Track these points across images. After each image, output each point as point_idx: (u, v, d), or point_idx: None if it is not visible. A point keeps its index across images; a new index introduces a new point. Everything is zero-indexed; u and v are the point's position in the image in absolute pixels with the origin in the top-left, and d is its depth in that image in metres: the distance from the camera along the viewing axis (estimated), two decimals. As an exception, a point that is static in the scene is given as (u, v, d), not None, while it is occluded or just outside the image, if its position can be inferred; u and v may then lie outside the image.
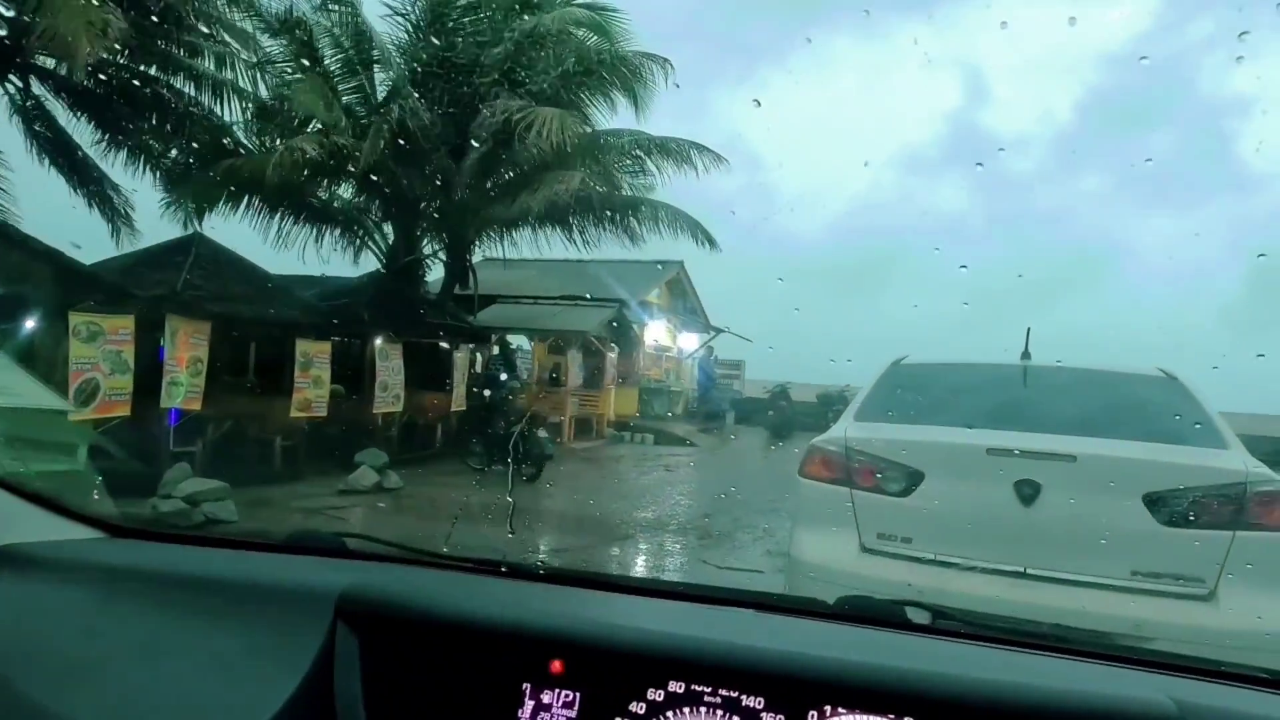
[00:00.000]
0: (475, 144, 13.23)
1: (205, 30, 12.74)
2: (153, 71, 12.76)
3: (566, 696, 0.94)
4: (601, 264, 17.62)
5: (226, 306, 9.67)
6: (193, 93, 13.17)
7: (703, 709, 0.90)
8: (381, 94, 14.17)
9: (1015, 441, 3.13)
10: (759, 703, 0.89)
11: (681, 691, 0.91)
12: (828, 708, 0.87)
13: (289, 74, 13.55)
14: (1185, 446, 3.14)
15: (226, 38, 13.09)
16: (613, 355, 18.08)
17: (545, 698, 0.94)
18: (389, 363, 11.62)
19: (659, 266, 20.08)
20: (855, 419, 3.80)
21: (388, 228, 14.93)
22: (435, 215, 14.64)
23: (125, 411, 8.27)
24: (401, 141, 12.55)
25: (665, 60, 13.37)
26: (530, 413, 12.57)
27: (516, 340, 17.61)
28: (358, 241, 15.13)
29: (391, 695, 1.00)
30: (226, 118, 13.50)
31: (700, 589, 1.26)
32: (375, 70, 14.22)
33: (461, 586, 1.23)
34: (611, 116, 14.29)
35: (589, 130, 13.86)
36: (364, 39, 13.70)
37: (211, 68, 13.15)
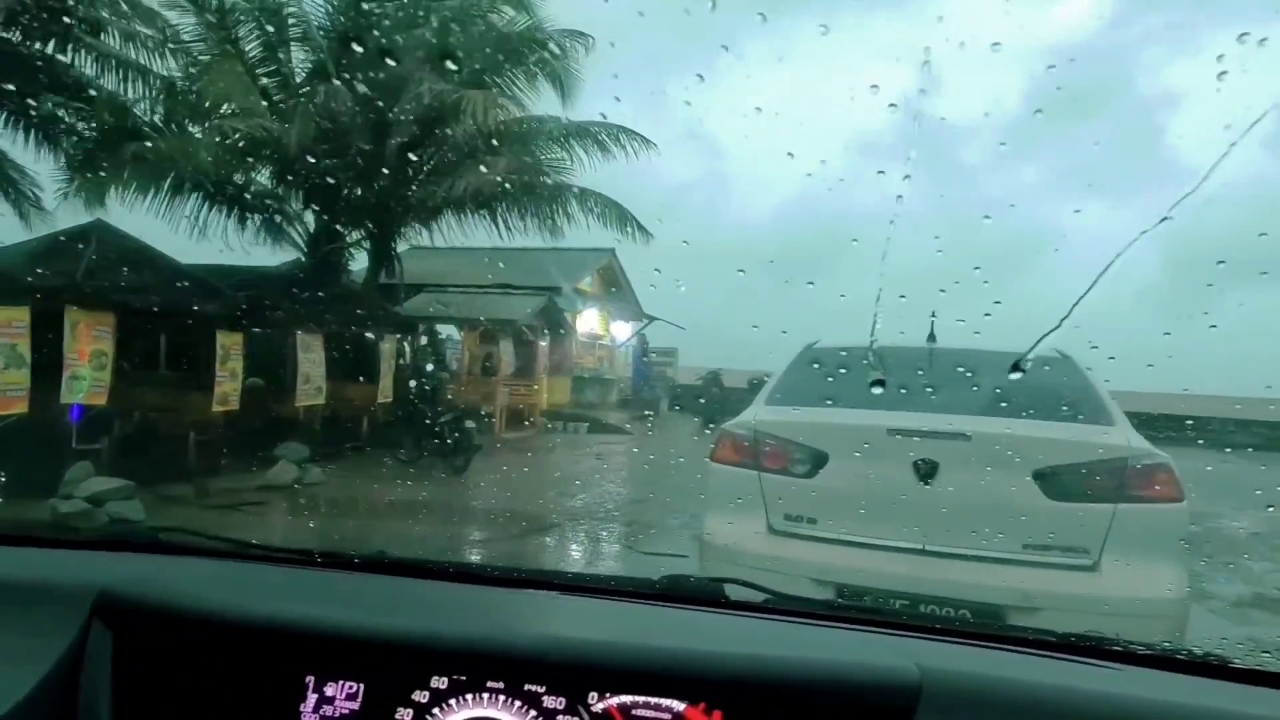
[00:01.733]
0: (399, 127, 12.93)
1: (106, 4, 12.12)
2: (49, 48, 12.10)
3: (350, 688, 0.92)
4: (532, 252, 17.46)
5: (133, 297, 9.22)
6: (96, 70, 12.55)
7: (485, 695, 0.89)
8: (300, 76, 13.73)
9: (913, 422, 3.22)
10: (541, 687, 0.88)
11: (465, 679, 0.90)
12: (608, 691, 0.87)
13: (202, 53, 13.00)
14: (1072, 424, 3.27)
15: (130, 14, 12.49)
16: (545, 344, 17.96)
17: (329, 689, 0.92)
18: (310, 354, 11.29)
19: (590, 254, 19.99)
20: (766, 403, 3.85)
21: (308, 214, 14.48)
22: (358, 201, 14.27)
23: (22, 408, 7.84)
24: (322, 125, 12.18)
25: (588, 36, 13.29)
26: (459, 403, 12.42)
27: (446, 330, 17.35)
28: (277, 229, 14.64)
29: (149, 693, 0.96)
30: (134, 98, 12.93)
31: (521, 574, 1.25)
32: (293, 50, 13.76)
33: (257, 579, 1.19)
34: (537, 101, 14.14)
35: (516, 114, 13.68)
36: (281, 18, 13.22)
37: (116, 45, 12.55)
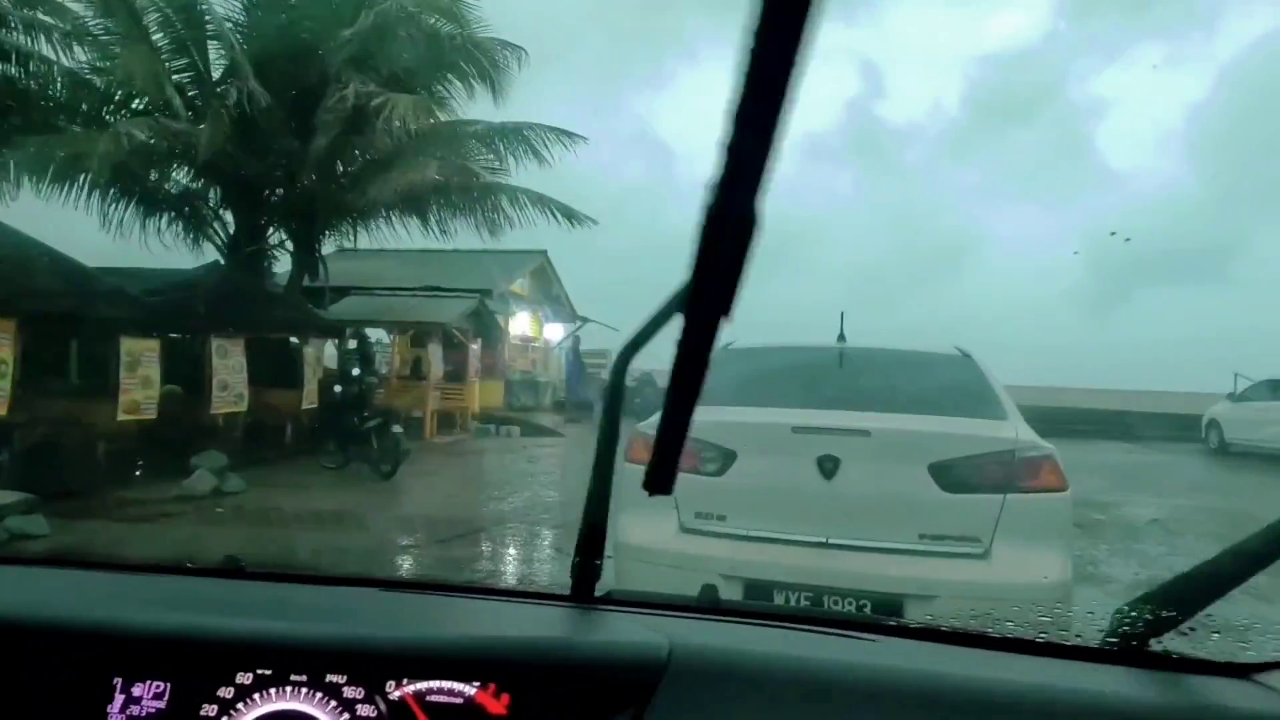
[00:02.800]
0: (324, 129, 12.64)
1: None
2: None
3: (157, 687, 0.94)
4: (463, 254, 17.29)
5: (35, 302, 8.83)
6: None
7: (288, 688, 0.92)
8: (219, 72, 13.31)
9: (817, 419, 3.32)
10: (342, 678, 0.92)
11: (269, 674, 0.93)
12: (405, 679, 0.91)
13: (113, 46, 12.49)
14: (966, 418, 3.41)
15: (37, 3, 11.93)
16: (476, 347, 17.79)
17: (136, 690, 0.94)
18: (229, 360, 10.96)
19: (521, 256, 19.86)
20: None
21: (228, 215, 14.05)
22: (281, 203, 13.90)
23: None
24: (242, 123, 11.84)
25: (520, 48, 13.30)
26: (388, 408, 12.21)
27: (374, 334, 17.04)
28: (195, 230, 14.16)
29: None
30: (41, 91, 12.34)
31: (336, 572, 1.28)
32: (210, 47, 13.33)
33: (71, 585, 1.20)
34: (469, 103, 14.02)
35: (444, 118, 13.55)
36: (193, 12, 12.79)
37: (21, 37, 11.96)
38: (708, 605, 1.17)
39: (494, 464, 13.14)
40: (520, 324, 21.98)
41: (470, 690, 0.90)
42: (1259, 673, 0.95)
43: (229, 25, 13.00)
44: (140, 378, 9.66)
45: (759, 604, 1.15)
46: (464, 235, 15.02)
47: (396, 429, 10.45)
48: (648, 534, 3.42)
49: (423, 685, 0.91)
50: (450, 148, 13.68)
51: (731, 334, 4.59)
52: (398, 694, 0.91)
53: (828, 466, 3.22)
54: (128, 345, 9.53)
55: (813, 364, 4.12)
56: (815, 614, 1.11)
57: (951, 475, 3.14)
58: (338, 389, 11.50)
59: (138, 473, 9.47)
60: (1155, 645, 0.97)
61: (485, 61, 13.29)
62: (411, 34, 12.84)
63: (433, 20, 13.07)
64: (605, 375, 24.12)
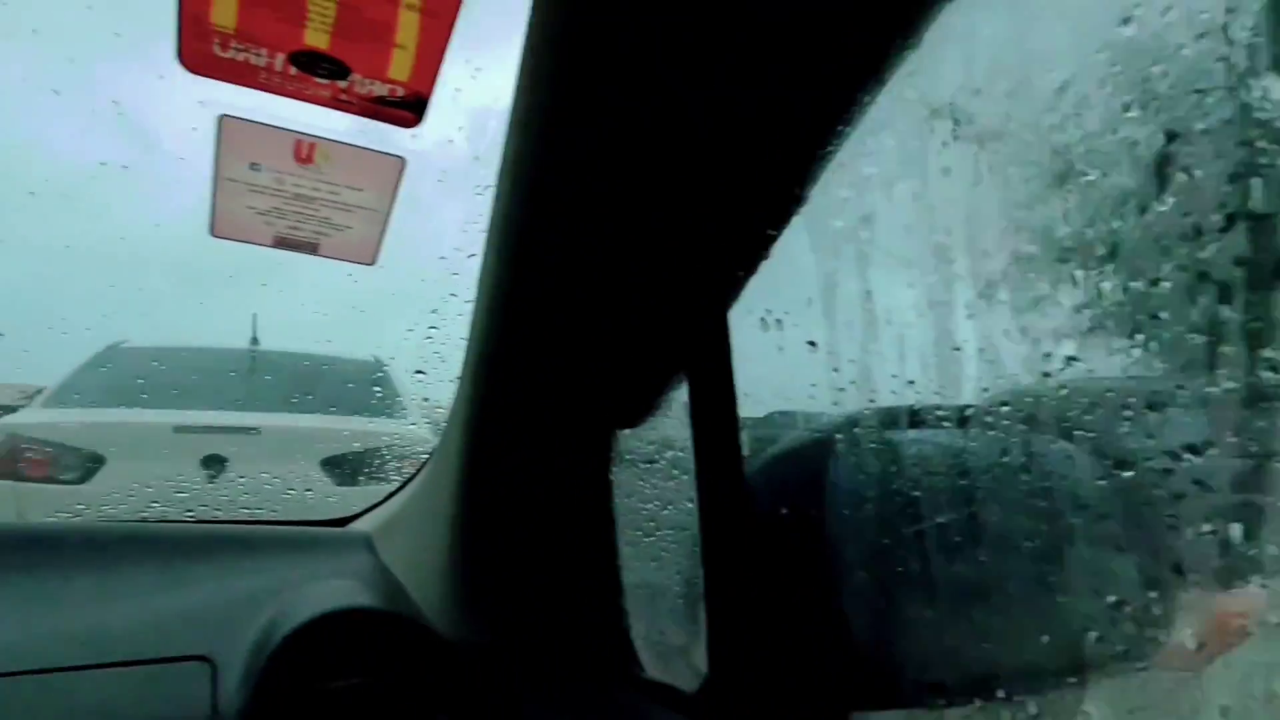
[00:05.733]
0: None
1: None
2: None
3: None
4: None
5: None
6: None
7: None
8: None
9: (201, 419, 3.24)
10: None
11: None
12: None
13: None
14: (362, 417, 3.68)
15: None
16: None
17: None
18: None
19: None
20: (44, 405, 3.45)
21: None
22: None
23: None
24: None
25: None
26: None
27: None
28: None
29: None
30: None
31: None
32: None
33: None
34: None
35: None
36: None
37: None
38: None
39: None
40: None
41: None
42: (351, 521, 1.29)
43: None
44: None
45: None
46: None
47: None
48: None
49: None
50: None
51: (124, 333, 4.18)
52: None
53: (211, 465, 3.15)
54: None
55: (216, 367, 3.98)
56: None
57: (341, 468, 3.34)
58: None
59: None
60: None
61: None
62: None
63: None
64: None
